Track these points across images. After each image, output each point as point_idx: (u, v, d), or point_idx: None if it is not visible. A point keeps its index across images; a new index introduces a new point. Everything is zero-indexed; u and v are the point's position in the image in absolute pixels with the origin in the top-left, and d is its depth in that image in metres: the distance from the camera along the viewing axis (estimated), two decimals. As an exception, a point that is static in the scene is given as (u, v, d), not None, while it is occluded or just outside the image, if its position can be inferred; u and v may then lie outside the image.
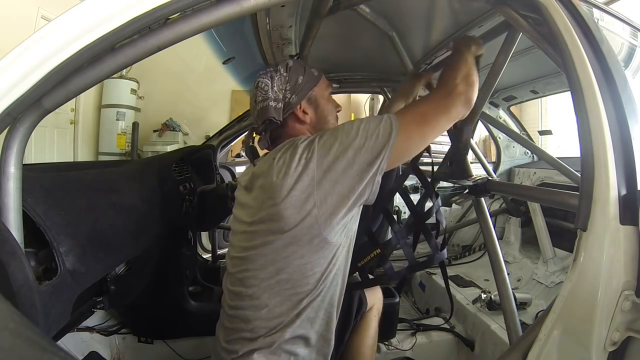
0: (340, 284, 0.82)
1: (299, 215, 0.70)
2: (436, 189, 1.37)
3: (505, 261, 1.14)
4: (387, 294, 1.42)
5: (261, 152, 0.93)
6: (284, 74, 0.85)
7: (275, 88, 0.84)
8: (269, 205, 0.72)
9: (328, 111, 0.91)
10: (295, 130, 0.87)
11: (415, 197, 1.63)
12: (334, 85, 1.89)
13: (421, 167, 1.49)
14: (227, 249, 0.91)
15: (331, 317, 0.81)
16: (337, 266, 0.78)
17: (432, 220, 1.35)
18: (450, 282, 1.92)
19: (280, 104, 0.83)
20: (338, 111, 0.95)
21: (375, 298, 1.18)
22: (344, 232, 0.77)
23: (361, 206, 0.77)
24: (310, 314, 0.76)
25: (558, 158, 1.64)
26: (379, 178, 0.72)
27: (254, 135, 0.94)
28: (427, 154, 1.45)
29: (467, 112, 0.81)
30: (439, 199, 1.29)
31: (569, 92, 0.71)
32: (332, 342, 0.82)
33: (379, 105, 2.98)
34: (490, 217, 1.21)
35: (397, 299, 1.52)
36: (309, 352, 0.78)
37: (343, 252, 0.80)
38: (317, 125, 0.89)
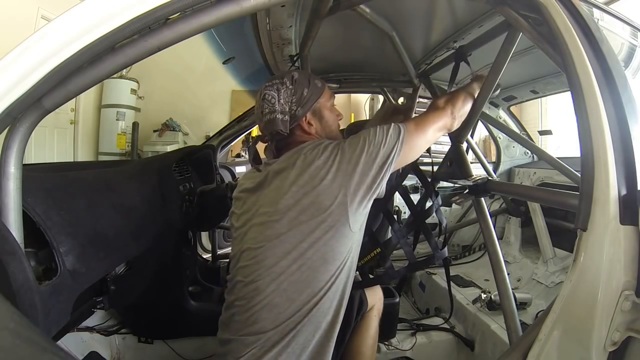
0: (351, 278, 0.86)
1: (329, 202, 0.77)
2: (436, 189, 1.37)
3: (505, 261, 1.14)
4: (387, 294, 1.42)
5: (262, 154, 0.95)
6: (290, 87, 0.88)
7: (281, 100, 0.87)
8: (299, 194, 0.78)
9: (332, 121, 0.95)
10: (301, 139, 0.90)
11: (415, 197, 1.64)
12: (334, 85, 1.89)
13: (421, 167, 1.49)
14: (229, 248, 0.93)
15: (341, 306, 0.84)
16: (352, 257, 0.84)
17: (433, 220, 1.35)
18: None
19: (286, 116, 0.87)
20: (340, 119, 1.00)
21: (375, 298, 1.18)
22: (362, 224, 0.84)
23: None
24: (325, 305, 0.79)
25: (558, 158, 1.64)
26: (388, 173, 0.82)
27: (262, 142, 0.96)
28: (427, 153, 1.45)
29: (454, 125, 1.01)
30: (439, 198, 1.29)
31: (569, 92, 0.71)
32: (336, 334, 0.83)
33: (379, 105, 2.98)
34: (490, 217, 1.21)
35: (397, 299, 1.52)
36: (319, 342, 0.80)
37: (357, 246, 0.86)
38: (322, 135, 0.93)
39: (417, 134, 0.87)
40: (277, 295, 0.77)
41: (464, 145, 1.32)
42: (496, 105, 2.20)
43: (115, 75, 3.56)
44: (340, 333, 0.86)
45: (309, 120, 0.90)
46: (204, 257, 2.01)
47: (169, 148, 3.94)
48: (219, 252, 2.02)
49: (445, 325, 1.66)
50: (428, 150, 1.45)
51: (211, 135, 2.21)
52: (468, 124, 1.27)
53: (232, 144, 2.20)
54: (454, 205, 2.34)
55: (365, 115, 4.71)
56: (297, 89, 0.88)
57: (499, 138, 2.27)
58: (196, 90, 4.68)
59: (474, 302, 1.67)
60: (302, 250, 0.77)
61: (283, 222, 0.79)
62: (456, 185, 1.35)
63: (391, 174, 0.84)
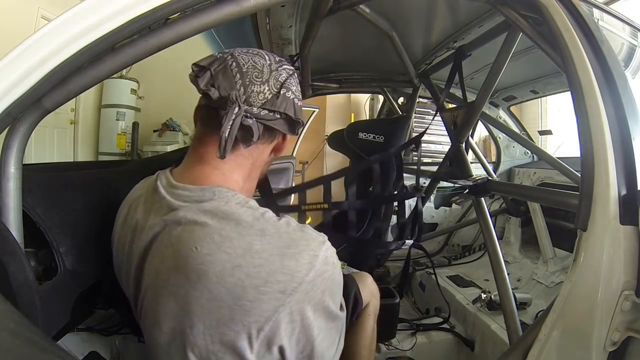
0: None
1: None
2: (435, 189, 1.38)
3: (505, 261, 1.14)
4: (387, 294, 1.42)
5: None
6: (298, 78, 0.63)
7: (294, 87, 0.60)
8: None
9: (265, 168, 0.68)
10: (247, 156, 0.62)
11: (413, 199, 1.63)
12: (334, 85, 1.89)
13: (422, 168, 1.49)
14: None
15: None
16: None
17: (431, 220, 1.35)
18: (450, 282, 1.93)
19: (294, 109, 0.59)
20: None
21: (369, 295, 1.16)
22: None
23: None
24: None
25: (558, 158, 1.64)
26: None
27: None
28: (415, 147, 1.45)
29: None
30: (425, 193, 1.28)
31: (569, 92, 0.71)
32: None
33: (379, 105, 2.98)
34: (490, 217, 1.21)
35: (398, 299, 1.52)
36: None
37: None
38: (258, 167, 0.65)
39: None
40: None
41: (464, 145, 1.33)
42: (496, 105, 2.20)
43: (115, 75, 3.55)
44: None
45: (284, 141, 0.63)
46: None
47: (169, 148, 3.94)
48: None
49: (446, 325, 1.66)
50: (417, 145, 1.43)
51: (211, 135, 2.21)
52: (468, 124, 1.27)
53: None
54: (454, 205, 2.34)
55: (365, 115, 4.70)
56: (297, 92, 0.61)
57: (499, 138, 2.27)
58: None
59: (474, 302, 1.67)
60: None
61: None
62: (456, 185, 1.36)
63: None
